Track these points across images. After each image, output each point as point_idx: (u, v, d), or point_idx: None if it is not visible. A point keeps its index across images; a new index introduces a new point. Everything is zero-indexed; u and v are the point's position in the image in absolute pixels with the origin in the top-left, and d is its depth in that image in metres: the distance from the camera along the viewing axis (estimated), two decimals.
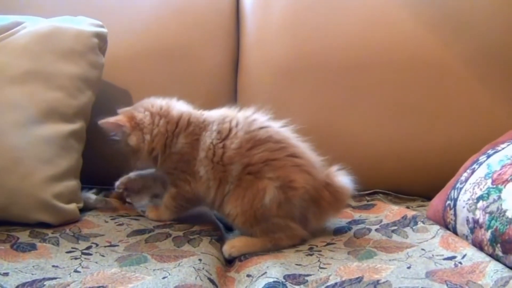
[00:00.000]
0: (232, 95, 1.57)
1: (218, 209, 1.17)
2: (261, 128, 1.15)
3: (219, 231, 1.19)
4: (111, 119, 1.19)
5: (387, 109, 1.48)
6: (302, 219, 1.12)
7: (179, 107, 1.24)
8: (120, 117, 1.20)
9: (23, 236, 1.09)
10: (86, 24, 1.37)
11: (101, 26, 1.40)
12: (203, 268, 0.93)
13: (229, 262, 1.07)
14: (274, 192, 1.07)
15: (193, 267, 0.93)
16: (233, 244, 1.09)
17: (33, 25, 1.31)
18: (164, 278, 0.89)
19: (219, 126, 1.15)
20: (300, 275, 0.93)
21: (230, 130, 1.14)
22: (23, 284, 0.87)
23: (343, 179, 1.15)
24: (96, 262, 0.98)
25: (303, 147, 1.17)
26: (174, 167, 1.19)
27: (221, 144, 1.13)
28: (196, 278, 0.89)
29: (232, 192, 1.12)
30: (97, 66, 1.36)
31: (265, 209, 1.08)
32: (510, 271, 0.89)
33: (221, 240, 1.13)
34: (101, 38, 1.38)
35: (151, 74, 1.54)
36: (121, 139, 1.22)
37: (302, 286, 0.89)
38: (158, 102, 1.24)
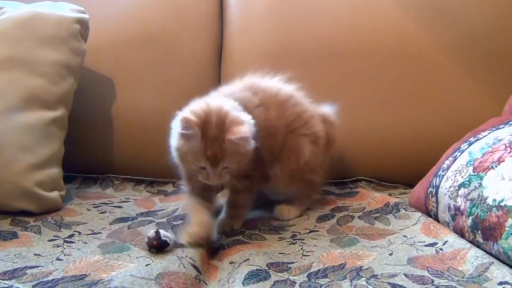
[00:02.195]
0: (216, 83, 1.56)
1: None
2: (279, 90, 1.21)
3: None
4: (243, 131, 0.99)
5: (371, 97, 1.48)
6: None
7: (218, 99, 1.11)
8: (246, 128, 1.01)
9: (4, 225, 1.08)
10: (67, 10, 1.35)
11: (83, 12, 1.38)
12: (186, 256, 0.93)
13: (213, 252, 1.07)
14: (310, 148, 1.19)
15: (176, 255, 0.93)
16: (289, 208, 1.20)
17: (13, 11, 1.30)
18: (147, 265, 0.89)
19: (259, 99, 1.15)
20: (283, 262, 0.93)
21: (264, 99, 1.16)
22: (4, 273, 0.86)
23: (330, 111, 1.30)
24: (79, 249, 0.97)
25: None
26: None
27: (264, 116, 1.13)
28: (179, 266, 0.89)
29: (277, 156, 1.17)
30: (79, 52, 1.35)
31: (304, 165, 1.18)
32: (490, 257, 0.90)
33: None
34: (83, 24, 1.36)
35: (134, 61, 1.53)
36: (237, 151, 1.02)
37: (285, 273, 0.89)
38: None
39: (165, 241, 0.96)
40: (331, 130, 1.27)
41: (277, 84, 1.23)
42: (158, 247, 0.95)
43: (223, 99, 1.07)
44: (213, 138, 0.98)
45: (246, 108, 1.08)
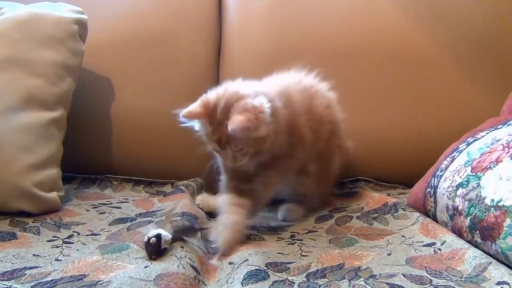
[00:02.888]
0: (215, 83, 1.55)
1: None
2: (327, 92, 1.27)
3: (198, 219, 1.18)
4: (240, 121, 0.99)
5: (369, 97, 1.48)
6: None
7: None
8: (248, 118, 1.00)
9: (3, 225, 1.08)
10: (65, 11, 1.35)
11: (81, 13, 1.38)
12: (185, 256, 0.93)
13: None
14: (338, 160, 1.28)
15: (175, 256, 0.93)
16: (294, 208, 1.22)
17: (11, 11, 1.30)
18: (146, 267, 0.89)
19: (299, 85, 1.20)
20: (282, 263, 0.93)
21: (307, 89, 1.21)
22: (3, 274, 0.86)
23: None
24: (78, 250, 0.97)
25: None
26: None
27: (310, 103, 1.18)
28: (178, 266, 0.89)
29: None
30: (78, 53, 1.35)
31: (330, 173, 1.27)
32: (488, 257, 0.90)
33: (201, 230, 1.12)
34: (81, 25, 1.36)
35: (133, 61, 1.53)
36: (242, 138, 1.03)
37: (284, 273, 0.89)
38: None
39: (165, 248, 0.95)
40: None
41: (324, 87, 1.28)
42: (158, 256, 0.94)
43: (251, 84, 1.11)
44: (219, 123, 1.02)
45: (288, 93, 1.13)
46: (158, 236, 0.94)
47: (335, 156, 1.27)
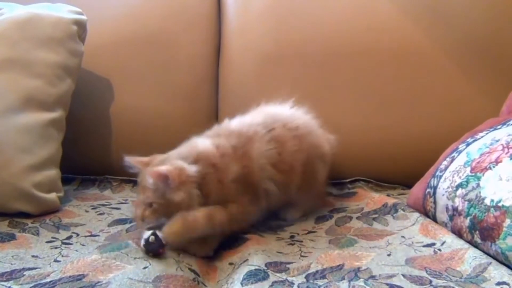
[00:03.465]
0: (214, 82, 1.56)
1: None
2: (298, 124, 1.21)
3: None
4: (161, 169, 1.00)
5: (368, 98, 1.48)
6: None
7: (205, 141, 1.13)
8: (169, 168, 1.01)
9: (2, 226, 1.08)
10: (65, 11, 1.35)
11: (81, 13, 1.38)
12: (183, 261, 0.93)
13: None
14: (320, 165, 1.24)
15: (173, 259, 0.93)
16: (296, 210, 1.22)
17: (10, 12, 1.29)
18: (145, 268, 0.88)
19: (268, 135, 1.14)
20: (281, 263, 0.93)
21: (280, 134, 1.15)
22: (2, 274, 0.86)
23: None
24: (77, 250, 0.97)
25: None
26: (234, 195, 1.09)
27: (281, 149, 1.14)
28: (176, 269, 0.89)
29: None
30: (77, 54, 1.35)
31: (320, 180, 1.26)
32: (488, 258, 0.90)
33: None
34: (81, 26, 1.36)
35: (132, 62, 1.53)
36: (157, 191, 1.02)
37: (283, 274, 0.89)
38: (185, 149, 1.10)
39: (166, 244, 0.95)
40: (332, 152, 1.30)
41: (294, 114, 1.24)
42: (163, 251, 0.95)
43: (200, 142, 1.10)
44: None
45: (251, 144, 1.11)
46: (155, 234, 0.95)
47: (318, 169, 1.25)
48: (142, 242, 0.95)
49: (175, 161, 1.04)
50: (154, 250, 0.94)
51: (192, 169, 1.03)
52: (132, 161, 1.06)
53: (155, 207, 1.01)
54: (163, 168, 1.00)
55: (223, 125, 1.18)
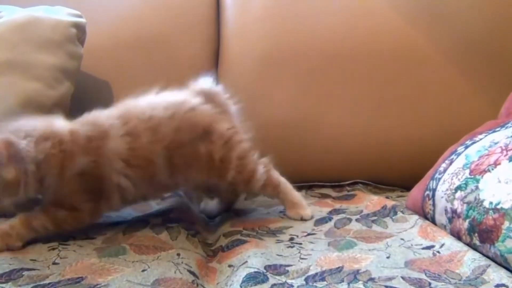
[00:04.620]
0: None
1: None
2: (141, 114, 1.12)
3: (195, 225, 1.18)
4: None
5: (367, 100, 1.49)
6: None
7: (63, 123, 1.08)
8: None
9: None
10: (64, 14, 1.35)
11: (80, 16, 1.38)
12: (182, 262, 0.93)
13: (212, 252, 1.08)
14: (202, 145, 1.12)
15: (172, 262, 0.93)
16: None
17: (9, 15, 1.30)
18: (143, 271, 0.88)
19: (123, 129, 1.08)
20: (281, 265, 0.93)
21: (134, 127, 1.09)
22: (1, 275, 0.86)
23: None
24: (75, 251, 0.97)
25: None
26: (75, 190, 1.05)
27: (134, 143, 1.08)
28: (175, 272, 0.89)
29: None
30: (76, 56, 1.35)
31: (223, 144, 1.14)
32: (487, 260, 0.90)
33: (198, 235, 1.12)
34: (80, 28, 1.36)
35: (131, 65, 1.53)
36: None
37: (283, 276, 0.89)
38: (39, 124, 1.03)
39: None
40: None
41: (153, 103, 1.16)
42: None
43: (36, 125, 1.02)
44: None
45: (106, 138, 1.06)
46: None
47: (199, 148, 1.12)
48: None
49: (7, 134, 0.97)
50: None
51: (22, 144, 0.96)
52: None
53: None
54: None
55: (90, 114, 1.12)
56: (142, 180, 1.09)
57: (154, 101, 1.15)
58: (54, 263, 0.92)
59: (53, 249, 0.99)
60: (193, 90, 1.19)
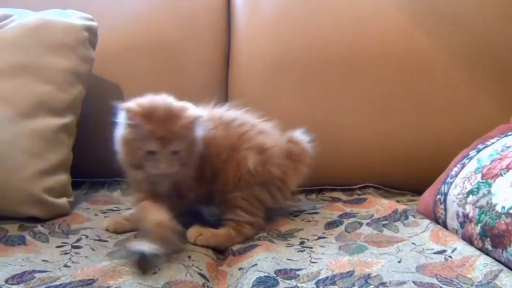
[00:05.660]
0: (223, 90, 1.56)
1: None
2: (223, 114, 1.20)
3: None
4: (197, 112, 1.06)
5: (378, 104, 1.48)
6: (281, 182, 1.19)
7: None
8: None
9: (13, 230, 1.08)
10: (75, 18, 1.36)
11: (91, 20, 1.39)
12: (192, 265, 0.93)
13: (220, 253, 1.08)
14: (255, 157, 1.13)
15: (183, 264, 0.93)
16: (200, 232, 1.09)
17: (22, 18, 1.30)
18: (154, 273, 0.88)
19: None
20: (291, 269, 0.93)
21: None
22: (13, 277, 0.87)
23: (301, 135, 1.25)
24: (86, 257, 0.97)
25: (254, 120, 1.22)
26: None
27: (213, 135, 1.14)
28: (186, 275, 0.89)
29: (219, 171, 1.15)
30: (88, 60, 1.36)
31: (249, 174, 1.12)
32: (499, 265, 0.90)
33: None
34: (91, 32, 1.37)
35: (142, 69, 1.54)
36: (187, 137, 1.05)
37: (293, 280, 0.89)
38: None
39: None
40: (298, 151, 1.23)
41: (220, 110, 1.21)
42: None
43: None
44: (162, 121, 1.01)
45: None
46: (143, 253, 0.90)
47: (247, 157, 1.14)
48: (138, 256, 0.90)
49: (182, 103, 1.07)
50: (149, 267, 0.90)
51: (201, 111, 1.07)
52: (132, 113, 1.01)
53: (180, 154, 1.03)
54: (198, 112, 1.04)
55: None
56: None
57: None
58: (65, 266, 0.93)
59: (66, 253, 0.99)
60: (289, 136, 1.25)
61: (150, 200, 1.06)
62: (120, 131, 1.04)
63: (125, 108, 1.01)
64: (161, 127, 1.00)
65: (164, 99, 1.06)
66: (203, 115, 1.04)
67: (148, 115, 1.00)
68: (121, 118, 1.03)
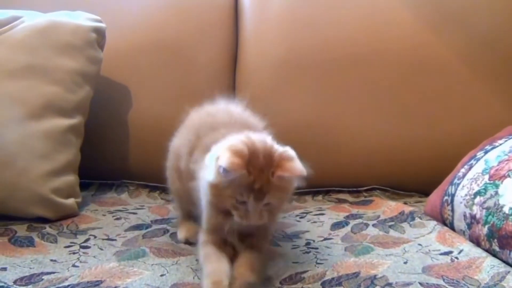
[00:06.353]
0: (230, 90, 1.56)
1: None
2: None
3: None
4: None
5: (385, 104, 1.48)
6: None
7: None
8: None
9: (21, 231, 1.09)
10: (84, 19, 1.37)
11: (99, 21, 1.39)
12: (200, 268, 0.93)
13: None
14: None
15: (191, 268, 0.93)
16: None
17: (31, 20, 1.31)
18: (162, 275, 0.89)
19: None
20: (296, 274, 0.92)
21: None
22: (21, 279, 0.87)
23: None
24: (95, 257, 0.98)
25: None
26: None
27: None
28: (194, 278, 0.89)
29: None
30: (96, 61, 1.36)
31: None
32: (506, 266, 0.89)
33: None
34: (99, 33, 1.38)
35: (150, 69, 1.54)
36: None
37: (299, 284, 0.89)
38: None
39: None
40: None
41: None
42: None
43: (257, 134, 0.95)
44: (261, 171, 0.87)
45: None
46: None
47: None
48: None
49: (284, 149, 0.91)
50: None
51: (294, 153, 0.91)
52: (233, 168, 0.84)
53: (271, 207, 0.90)
54: (299, 168, 0.88)
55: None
56: None
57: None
58: (73, 266, 0.93)
59: (74, 253, 1.00)
60: None
61: (216, 245, 0.95)
62: (210, 176, 0.88)
63: (226, 161, 0.84)
64: (259, 178, 0.87)
65: (264, 143, 0.91)
66: (304, 171, 0.88)
67: (247, 165, 0.86)
68: (212, 163, 0.88)
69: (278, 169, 0.87)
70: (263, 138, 0.92)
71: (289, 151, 0.91)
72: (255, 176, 0.86)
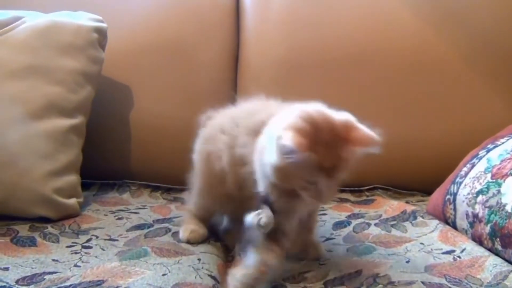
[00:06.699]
0: (232, 88, 1.56)
1: None
2: None
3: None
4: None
5: (386, 104, 1.48)
6: None
7: None
8: None
9: (23, 231, 1.09)
10: (85, 19, 1.37)
11: (101, 21, 1.39)
12: (202, 268, 0.93)
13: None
14: None
15: (192, 267, 0.93)
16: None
17: (32, 20, 1.31)
18: (164, 275, 0.89)
19: None
20: (299, 273, 0.92)
21: None
22: (23, 278, 0.87)
23: None
24: (96, 257, 0.98)
25: None
26: None
27: None
28: (195, 277, 0.89)
29: None
30: (97, 61, 1.36)
31: None
32: (509, 265, 0.89)
33: (219, 240, 1.12)
34: (101, 33, 1.38)
35: (152, 69, 1.54)
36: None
37: (301, 283, 0.89)
38: None
39: None
40: None
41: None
42: None
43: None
44: (328, 147, 0.81)
45: None
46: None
47: None
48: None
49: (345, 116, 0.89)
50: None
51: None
52: (301, 148, 0.77)
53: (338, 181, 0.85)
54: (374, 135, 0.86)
55: None
56: None
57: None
58: (75, 266, 0.93)
59: (76, 253, 1.00)
60: None
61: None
62: (272, 158, 0.81)
63: (290, 142, 0.77)
64: (328, 156, 0.80)
65: (323, 116, 0.84)
66: (377, 138, 0.85)
67: (313, 144, 0.79)
68: (273, 144, 0.81)
69: (348, 143, 0.82)
70: (317, 108, 0.86)
71: (351, 119, 0.86)
72: (323, 154, 0.80)
